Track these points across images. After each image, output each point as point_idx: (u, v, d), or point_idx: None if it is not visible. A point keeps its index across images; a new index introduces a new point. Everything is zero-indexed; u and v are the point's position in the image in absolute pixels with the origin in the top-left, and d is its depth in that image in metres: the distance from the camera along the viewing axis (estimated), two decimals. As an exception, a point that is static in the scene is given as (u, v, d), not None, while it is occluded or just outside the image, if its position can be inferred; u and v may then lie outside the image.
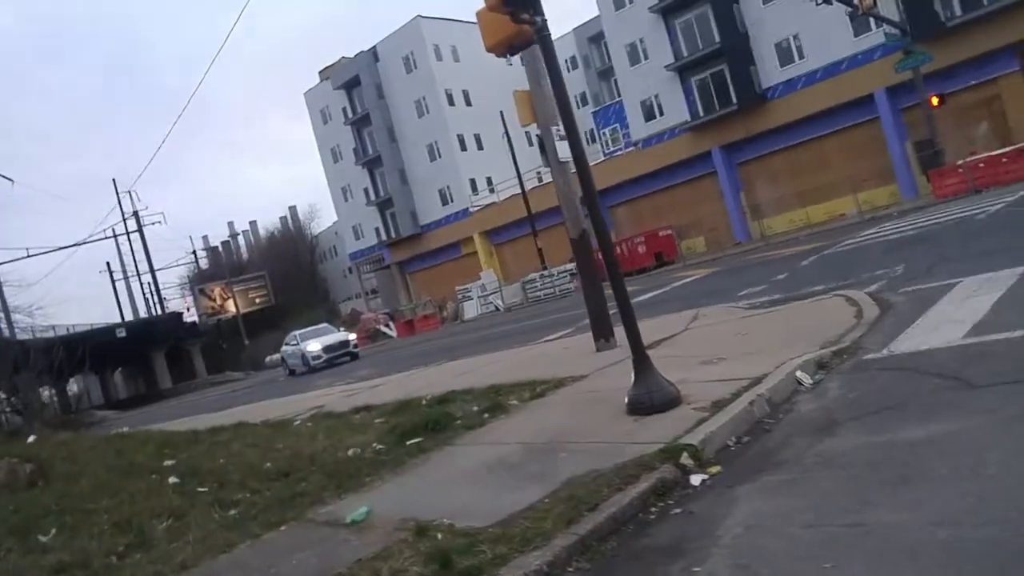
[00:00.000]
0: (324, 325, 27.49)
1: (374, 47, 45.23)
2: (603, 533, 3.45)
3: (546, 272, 32.30)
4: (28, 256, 43.03)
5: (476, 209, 42.91)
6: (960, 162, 21.51)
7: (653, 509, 3.66)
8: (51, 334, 31.34)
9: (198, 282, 58.67)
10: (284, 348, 24.94)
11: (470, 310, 36.04)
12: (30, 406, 20.66)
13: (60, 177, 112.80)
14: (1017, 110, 25.10)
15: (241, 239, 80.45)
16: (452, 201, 44.43)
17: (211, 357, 49.14)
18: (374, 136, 46.45)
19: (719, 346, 7.16)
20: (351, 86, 46.65)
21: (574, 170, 9.32)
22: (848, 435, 3.93)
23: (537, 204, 35.16)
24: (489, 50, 5.72)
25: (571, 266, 32.48)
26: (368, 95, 45.74)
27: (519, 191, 35.82)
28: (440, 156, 44.42)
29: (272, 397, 15.59)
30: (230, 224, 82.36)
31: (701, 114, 32.86)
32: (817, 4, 21.74)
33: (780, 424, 4.50)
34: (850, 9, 22.84)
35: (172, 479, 6.41)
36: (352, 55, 46.79)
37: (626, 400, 5.30)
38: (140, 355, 46.42)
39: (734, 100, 30.97)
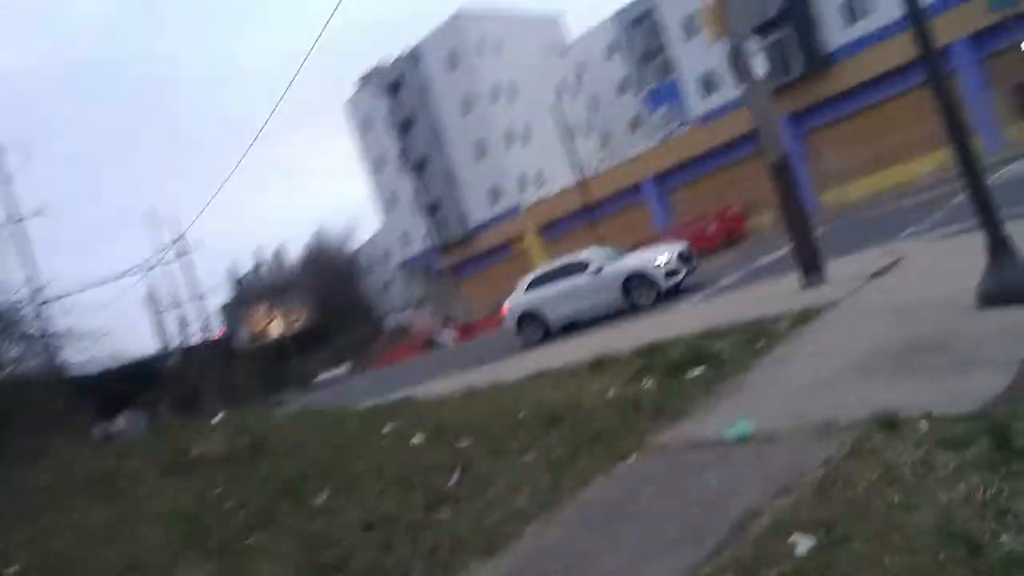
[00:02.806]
0: (595, 248, 15.50)
1: (416, 45, 45.07)
2: None
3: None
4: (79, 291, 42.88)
5: (528, 205, 42.21)
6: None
7: None
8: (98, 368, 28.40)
9: (234, 308, 58.83)
10: (524, 296, 14.33)
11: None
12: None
13: (100, 213, 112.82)
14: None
15: (271, 264, 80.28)
16: (502, 200, 43.83)
17: (259, 378, 49.03)
18: (418, 139, 46.12)
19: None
20: (394, 90, 46.43)
21: (771, 87, 8.60)
22: None
23: (595, 192, 34.47)
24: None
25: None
26: (411, 97, 45.47)
27: (572, 183, 35.11)
28: (487, 154, 43.91)
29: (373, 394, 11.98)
30: (258, 250, 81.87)
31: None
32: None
33: None
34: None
35: (415, 439, 5.77)
36: (392, 56, 46.69)
37: (979, 292, 4.57)
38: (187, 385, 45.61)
39: (799, 65, 29.92)
